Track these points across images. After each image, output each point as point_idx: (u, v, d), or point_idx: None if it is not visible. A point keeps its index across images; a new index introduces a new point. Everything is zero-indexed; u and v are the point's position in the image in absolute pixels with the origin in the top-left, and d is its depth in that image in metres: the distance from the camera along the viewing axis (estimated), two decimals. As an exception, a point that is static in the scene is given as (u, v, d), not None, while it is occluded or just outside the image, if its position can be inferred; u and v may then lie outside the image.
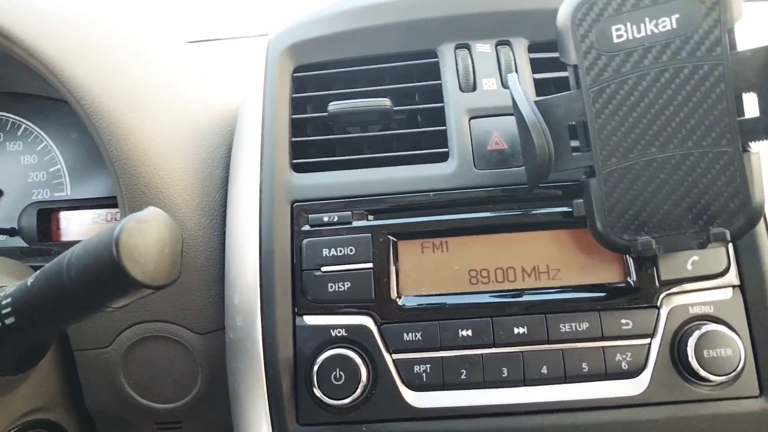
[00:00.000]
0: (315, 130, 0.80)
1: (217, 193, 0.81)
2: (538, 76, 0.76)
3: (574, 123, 0.65)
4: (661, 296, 0.67)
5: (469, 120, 0.74)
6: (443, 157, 0.74)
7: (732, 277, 0.67)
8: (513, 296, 0.68)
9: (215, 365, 0.79)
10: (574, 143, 0.64)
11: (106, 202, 0.95)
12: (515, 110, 0.66)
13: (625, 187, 0.62)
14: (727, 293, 0.67)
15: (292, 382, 0.68)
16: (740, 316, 0.66)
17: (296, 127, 0.78)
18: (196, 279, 0.78)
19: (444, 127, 0.75)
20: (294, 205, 0.73)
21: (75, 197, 0.95)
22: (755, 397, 0.65)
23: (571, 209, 0.68)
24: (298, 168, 0.75)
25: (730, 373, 0.63)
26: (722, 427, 0.64)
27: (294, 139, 0.77)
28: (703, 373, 0.63)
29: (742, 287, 0.67)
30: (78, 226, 0.96)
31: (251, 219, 0.73)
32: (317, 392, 0.66)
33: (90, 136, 0.75)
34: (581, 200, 0.66)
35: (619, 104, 0.61)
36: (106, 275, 0.50)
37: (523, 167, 0.71)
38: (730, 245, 0.68)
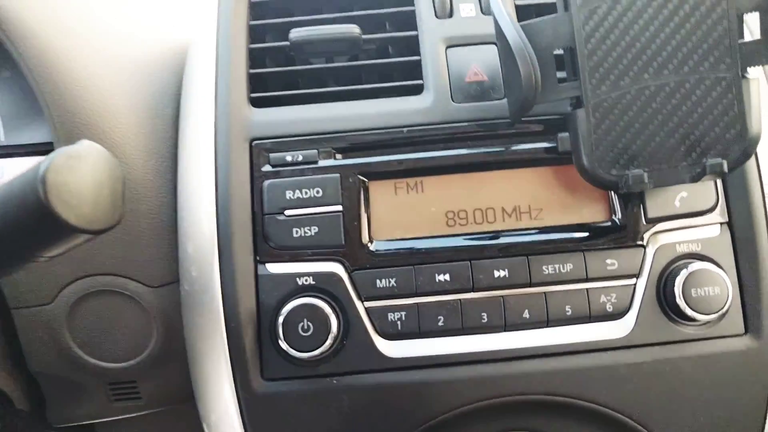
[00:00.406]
0: (275, 61, 0.72)
1: (167, 133, 0.73)
2: (519, 1, 0.70)
3: (560, 51, 0.60)
4: (648, 234, 0.64)
5: (446, 49, 0.68)
6: (417, 90, 0.67)
7: (720, 213, 0.64)
8: (493, 238, 0.64)
9: (171, 320, 0.73)
10: (560, 74, 0.59)
11: (46, 149, 0.85)
12: (498, 36, 0.60)
13: (614, 119, 0.57)
14: (714, 230, 0.64)
15: (255, 335, 0.63)
16: (728, 254, 0.64)
17: (254, 58, 0.70)
18: (146, 227, 0.71)
19: (418, 57, 0.68)
20: (253, 144, 0.66)
21: (10, 143, 0.86)
22: (740, 335, 0.63)
23: (555, 144, 0.64)
24: (257, 103, 0.68)
25: (718, 312, 0.61)
26: (707, 367, 0.62)
27: (252, 71, 0.69)
28: (689, 312, 0.61)
29: (730, 224, 0.64)
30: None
31: (205, 160, 0.66)
32: (283, 345, 0.61)
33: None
34: (566, 134, 0.61)
35: (611, 27, 0.56)
36: (33, 219, 0.43)
37: (504, 100, 0.66)
38: (719, 180, 0.65)
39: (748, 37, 0.56)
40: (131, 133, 0.71)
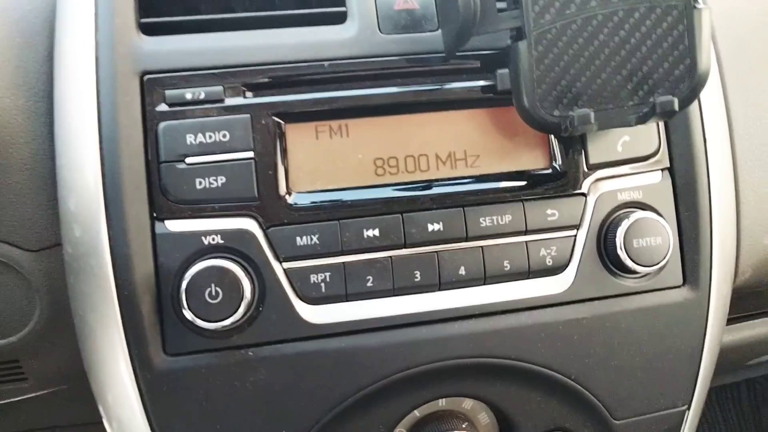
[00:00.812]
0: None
1: (39, 67, 0.62)
2: None
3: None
4: (589, 182, 0.60)
5: (372, -28, 0.59)
6: (340, 18, 0.59)
7: (661, 158, 0.61)
8: (426, 188, 0.58)
9: (57, 288, 0.63)
10: (499, 4, 0.53)
11: None
12: (431, -47, 0.52)
13: (558, 52, 0.52)
14: (656, 177, 0.61)
15: (154, 304, 0.54)
16: (668, 202, 0.61)
17: None
18: (19, 180, 0.61)
19: None
20: (145, 78, 0.55)
21: None
22: (678, 286, 0.61)
23: (493, 83, 0.57)
24: (148, 29, 0.57)
25: (659, 263, 0.58)
26: (646, 320, 0.60)
27: (141, -10, 0.57)
28: (630, 264, 0.58)
29: (671, 169, 0.62)
30: None
31: (86, 98, 0.55)
32: (188, 314, 0.52)
33: None
34: (506, 70, 0.55)
35: (557, -55, 0.50)
36: None
37: (437, 32, 0.59)
38: (661, 123, 0.61)
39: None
40: (-9, 66, 0.59)
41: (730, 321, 0.72)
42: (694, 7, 0.51)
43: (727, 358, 0.71)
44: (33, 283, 0.63)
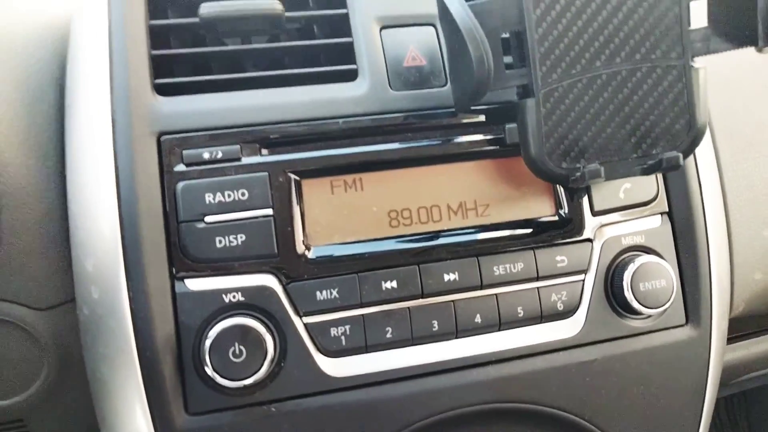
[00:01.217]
0: (181, 41, 0.62)
1: (49, 125, 0.61)
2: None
3: (506, 35, 0.55)
4: (594, 228, 0.62)
5: (380, 30, 0.61)
6: (351, 76, 0.60)
7: (661, 203, 0.64)
8: (439, 238, 0.59)
9: (66, 347, 0.63)
10: (506, 59, 0.55)
11: None
12: (442, 16, 0.54)
13: (566, 108, 0.54)
14: (656, 221, 0.64)
15: (175, 363, 0.54)
16: (669, 245, 0.64)
17: (156, 36, 0.59)
18: (28, 241, 0.60)
19: (350, 39, 0.61)
20: (162, 139, 0.56)
21: None
22: (682, 325, 0.64)
23: (501, 136, 0.59)
24: (162, 90, 0.58)
25: (664, 305, 0.60)
26: (652, 359, 0.62)
27: (155, 52, 0.58)
28: (636, 306, 0.60)
29: (670, 214, 0.64)
30: None
31: (103, 159, 0.55)
32: (210, 372, 0.53)
33: None
34: (514, 125, 0.57)
35: (563, 11, 0.52)
36: None
37: (445, 87, 0.61)
38: (658, 171, 0.64)
39: (695, 26, 0.54)
40: (1, 127, 0.58)
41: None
42: (692, 66, 0.54)
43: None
44: (41, 342, 0.62)
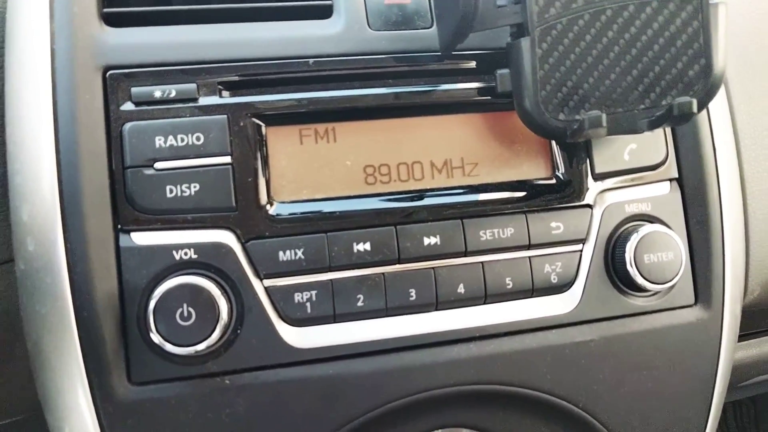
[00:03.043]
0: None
1: (-10, 61, 0.55)
2: None
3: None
4: (595, 193, 0.56)
5: (361, -37, 0.55)
6: (326, 13, 0.55)
7: (670, 168, 0.57)
8: (421, 198, 0.53)
9: (10, 310, 0.57)
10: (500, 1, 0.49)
11: None
12: (428, -58, 0.48)
13: (564, 50, 0.48)
14: (664, 188, 0.58)
15: (117, 326, 0.48)
16: (678, 215, 0.57)
17: None
18: (-35, 188, 0.53)
19: None
20: (108, 74, 0.50)
21: None
22: (690, 306, 0.57)
23: (492, 84, 0.53)
24: (112, 20, 0.52)
25: (671, 280, 0.54)
26: (656, 342, 0.56)
27: (104, -24, 0.52)
28: (641, 281, 0.54)
29: (680, 180, 0.58)
30: None
31: (41, 96, 0.50)
32: (156, 338, 0.47)
33: None
34: (506, 71, 0.51)
35: (564, -66, 0.46)
36: None
37: (431, 29, 0.55)
38: (669, 132, 0.58)
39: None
40: (-64, 60, 0.52)
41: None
42: (710, 2, 0.47)
43: (732, 376, 0.68)
44: (-19, 303, 0.57)
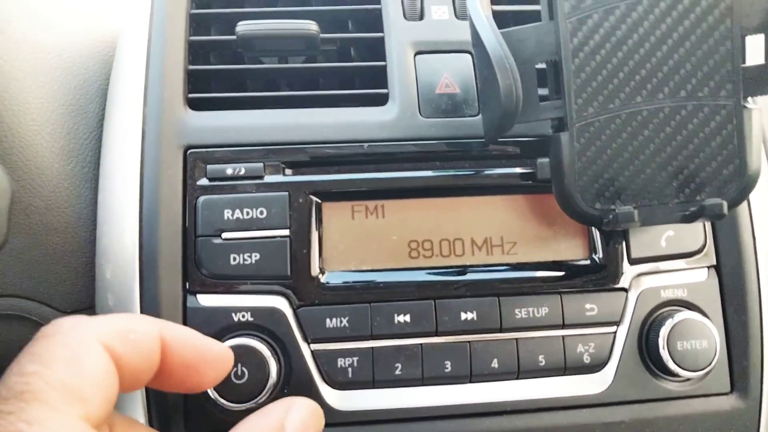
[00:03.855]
0: (220, 58, 0.63)
1: (90, 134, 0.64)
2: (497, 8, 0.63)
3: (542, 65, 0.53)
4: (630, 277, 0.57)
5: (415, 55, 0.60)
6: (382, 100, 0.59)
7: (707, 255, 0.58)
8: (460, 274, 0.56)
9: None
10: (542, 92, 0.53)
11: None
12: (475, 43, 0.53)
13: (602, 145, 0.51)
14: (701, 275, 0.58)
15: None
16: (715, 302, 0.58)
17: (195, 52, 0.61)
18: (58, 243, 0.61)
19: (383, 63, 0.60)
20: (188, 153, 0.56)
21: None
22: (726, 394, 0.57)
23: (533, 170, 0.57)
24: (195, 105, 0.58)
25: (704, 369, 0.54)
26: (690, 428, 0.56)
27: (191, 67, 0.59)
28: (672, 367, 0.54)
29: (717, 268, 0.59)
30: None
31: (131, 169, 0.56)
32: (212, 394, 0.51)
33: None
34: (546, 159, 0.55)
35: (603, 40, 0.50)
36: None
37: (478, 116, 0.59)
38: (707, 219, 0.59)
39: (750, 62, 0.50)
40: (45, 131, 0.61)
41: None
42: (744, 107, 0.50)
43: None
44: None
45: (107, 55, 0.67)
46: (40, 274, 0.61)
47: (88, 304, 0.63)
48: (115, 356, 0.40)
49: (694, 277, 0.58)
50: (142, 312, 0.54)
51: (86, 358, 0.38)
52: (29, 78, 0.60)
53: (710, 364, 0.54)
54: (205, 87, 0.61)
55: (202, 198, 0.55)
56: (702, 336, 0.55)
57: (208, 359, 0.45)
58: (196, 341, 0.45)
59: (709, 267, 0.59)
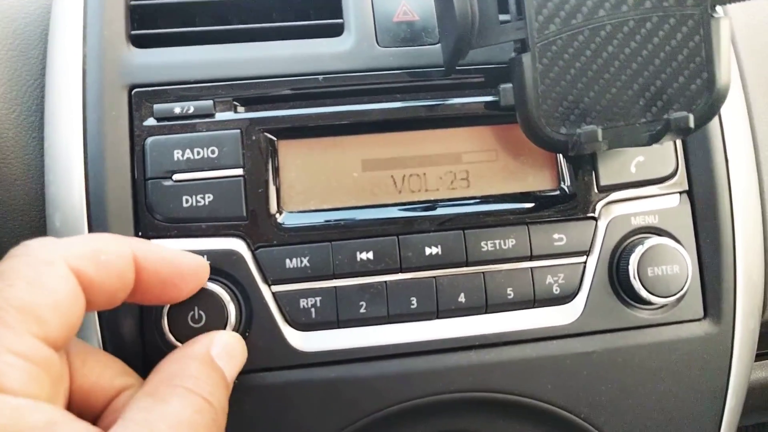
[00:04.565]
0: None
1: (33, 80, 0.61)
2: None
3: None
4: (600, 205, 0.56)
5: (371, -18, 0.57)
6: (337, 31, 0.57)
7: (679, 181, 0.57)
8: (424, 209, 0.55)
9: None
10: (505, 18, 0.50)
11: None
12: (430, -38, 0.49)
13: (565, 65, 0.49)
14: (673, 200, 0.57)
15: (136, 325, 0.51)
16: (687, 227, 0.56)
17: None
18: (8, 196, 0.59)
19: None
20: (133, 92, 0.53)
21: None
22: (698, 320, 0.56)
23: (496, 98, 0.54)
24: (139, 42, 0.55)
25: (676, 294, 0.53)
26: (662, 356, 0.55)
27: (134, 2, 0.56)
28: (644, 294, 0.53)
29: (690, 193, 0.57)
30: None
31: (73, 112, 0.54)
32: (170, 338, 0.50)
33: None
34: (509, 85, 0.52)
35: (563, -49, 0.47)
36: None
37: (436, 45, 0.56)
38: (679, 143, 0.57)
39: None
40: (-16, 80, 0.58)
41: (760, 356, 0.66)
42: (712, 16, 0.47)
43: (755, 397, 0.66)
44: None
45: (46, -4, 0.63)
46: (-7, 230, 0.59)
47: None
48: (85, 279, 0.39)
49: (666, 203, 0.57)
50: None
51: (49, 280, 0.38)
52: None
53: (682, 289, 0.53)
54: (152, 24, 0.57)
55: (150, 139, 0.52)
56: (673, 261, 0.53)
57: (184, 273, 0.46)
58: (170, 257, 0.45)
59: (681, 192, 0.57)
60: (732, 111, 0.58)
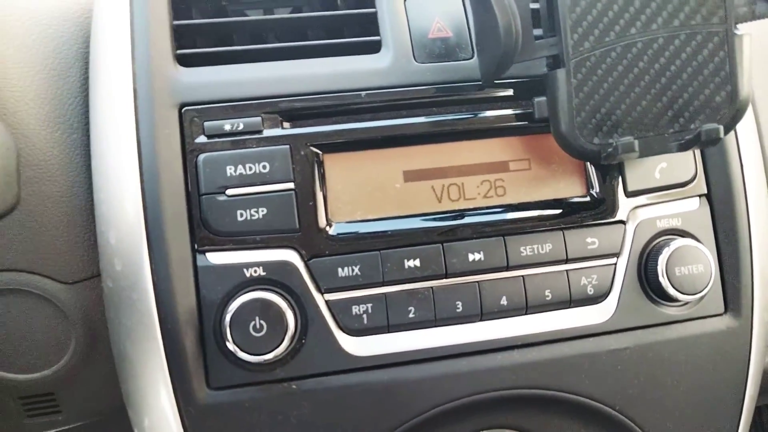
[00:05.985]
0: (203, 12, 0.61)
1: (73, 100, 0.62)
2: (485, -52, 0.62)
3: (536, 4, 0.53)
4: (627, 209, 0.59)
5: (405, 0, 0.59)
6: (374, 48, 0.59)
7: (699, 185, 0.61)
8: (465, 217, 0.57)
9: (92, 321, 0.63)
10: (536, 32, 0.53)
11: None
12: (470, -17, 0.52)
13: (598, 80, 0.52)
14: (693, 203, 0.61)
15: (197, 337, 0.54)
16: (707, 228, 0.60)
17: (177, 8, 0.59)
18: (54, 213, 0.60)
19: (373, 10, 0.59)
20: (183, 110, 0.55)
21: None
22: (720, 314, 0.60)
23: (530, 110, 0.57)
24: (184, 61, 0.57)
25: (701, 291, 0.57)
26: (688, 349, 0.59)
27: (177, 22, 0.58)
28: (672, 292, 0.57)
29: (708, 195, 0.61)
30: None
31: (126, 131, 0.55)
32: (231, 347, 0.52)
33: None
34: (543, 98, 0.55)
35: (597, -25, 0.50)
36: None
37: (472, 60, 0.59)
38: (698, 150, 0.61)
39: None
40: (28, 98, 0.59)
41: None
42: (735, 33, 0.51)
43: (764, 380, 0.70)
44: (68, 316, 0.63)
45: (83, 17, 0.64)
46: (37, 246, 0.60)
47: (90, 273, 0.62)
48: None
49: (687, 206, 0.60)
50: (152, 275, 0.53)
51: None
52: (6, 45, 0.57)
53: (707, 286, 0.57)
54: (192, 43, 0.59)
55: (202, 156, 0.54)
56: (698, 261, 0.57)
57: None
58: None
59: (700, 196, 0.61)
60: (744, 122, 0.62)
